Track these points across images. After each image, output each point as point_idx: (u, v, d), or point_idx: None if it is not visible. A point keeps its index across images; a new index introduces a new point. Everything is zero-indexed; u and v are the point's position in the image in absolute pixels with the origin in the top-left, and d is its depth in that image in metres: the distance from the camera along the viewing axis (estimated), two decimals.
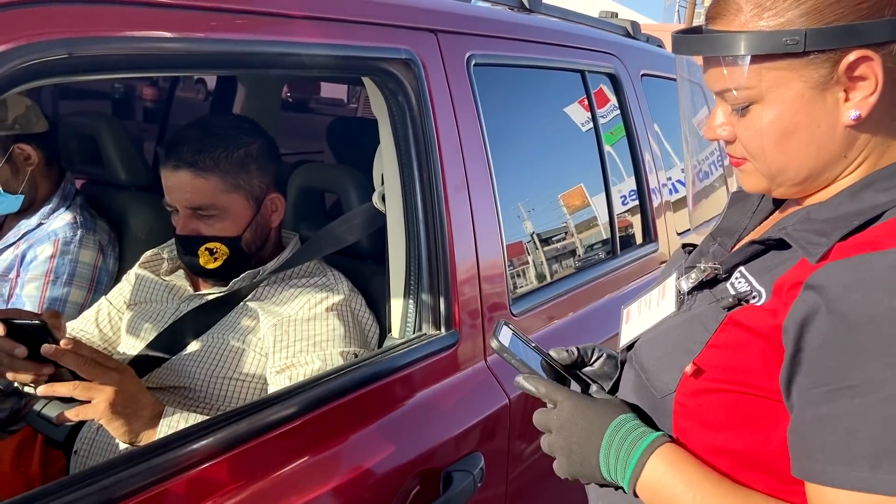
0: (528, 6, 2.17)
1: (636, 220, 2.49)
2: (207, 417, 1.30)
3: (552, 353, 1.09)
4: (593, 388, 1.04)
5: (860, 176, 0.91)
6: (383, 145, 1.62)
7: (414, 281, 1.59)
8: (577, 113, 2.27)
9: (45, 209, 2.11)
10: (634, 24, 2.79)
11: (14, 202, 2.06)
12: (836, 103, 0.87)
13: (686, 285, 0.98)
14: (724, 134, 0.95)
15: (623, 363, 1.08)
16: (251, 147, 1.68)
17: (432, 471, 1.44)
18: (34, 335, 1.32)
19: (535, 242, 2.02)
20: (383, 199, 1.66)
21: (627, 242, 2.44)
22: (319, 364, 1.53)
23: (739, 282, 0.93)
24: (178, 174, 1.63)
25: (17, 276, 2.03)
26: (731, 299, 0.91)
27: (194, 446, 1.16)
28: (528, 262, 1.99)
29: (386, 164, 1.61)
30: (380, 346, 1.68)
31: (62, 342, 1.30)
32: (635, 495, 0.92)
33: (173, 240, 1.83)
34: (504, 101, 1.95)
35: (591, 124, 2.27)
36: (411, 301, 1.59)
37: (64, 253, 2.02)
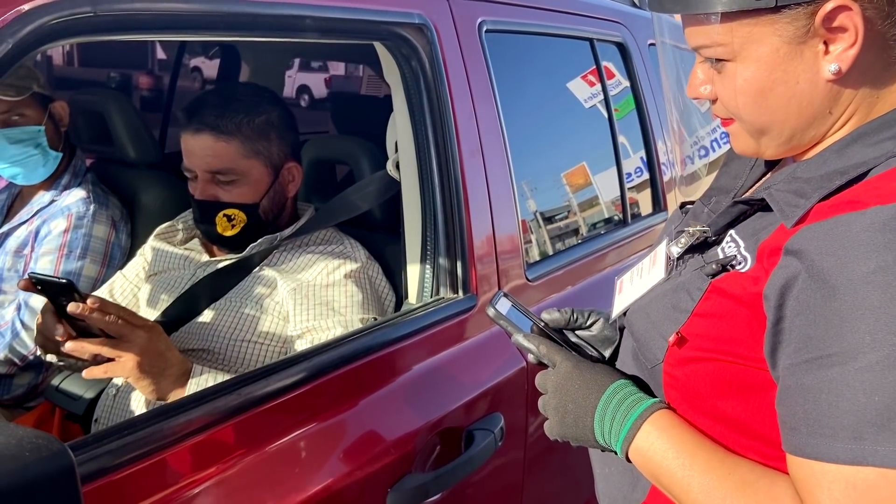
0: None
1: (647, 190, 2.50)
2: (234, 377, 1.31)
3: (544, 314, 1.07)
4: (593, 355, 1.03)
5: (849, 131, 0.85)
6: (397, 112, 1.62)
7: (430, 246, 1.60)
8: (586, 83, 2.27)
9: (58, 186, 2.11)
10: None
11: (55, 160, 2.08)
12: (816, 57, 0.82)
13: (676, 251, 0.94)
14: (705, 92, 0.90)
15: (622, 329, 1.06)
16: (271, 115, 1.70)
17: (454, 429, 1.45)
18: (60, 296, 1.32)
19: (548, 210, 2.03)
20: (397, 166, 1.67)
21: (637, 211, 2.45)
22: (340, 330, 1.54)
23: (729, 246, 0.89)
24: (199, 137, 1.64)
25: (32, 251, 2.04)
26: (714, 266, 0.87)
27: (219, 404, 1.17)
28: (542, 228, 1.99)
29: (400, 130, 1.62)
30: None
31: (88, 301, 1.30)
32: (627, 460, 0.90)
33: (189, 210, 1.84)
34: (516, 68, 1.95)
35: (600, 93, 2.28)
36: (428, 266, 1.60)
37: (77, 227, 2.03)
